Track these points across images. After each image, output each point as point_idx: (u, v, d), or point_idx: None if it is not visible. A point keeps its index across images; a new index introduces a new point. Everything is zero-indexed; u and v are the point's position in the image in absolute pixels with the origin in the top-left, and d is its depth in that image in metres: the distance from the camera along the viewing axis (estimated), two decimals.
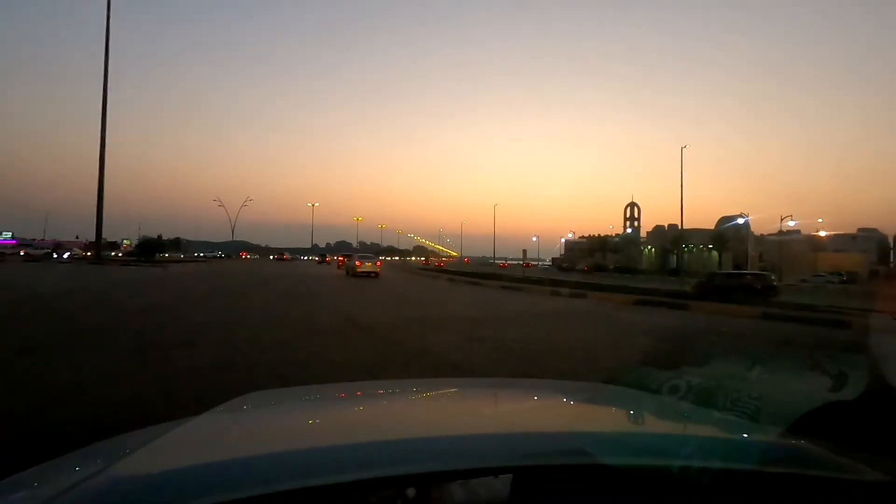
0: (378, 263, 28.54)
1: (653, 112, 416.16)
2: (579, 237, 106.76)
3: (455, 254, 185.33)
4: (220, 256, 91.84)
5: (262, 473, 0.79)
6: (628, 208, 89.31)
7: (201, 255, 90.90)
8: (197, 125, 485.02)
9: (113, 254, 54.62)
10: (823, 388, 1.59)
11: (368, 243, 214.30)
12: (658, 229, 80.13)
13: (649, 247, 79.75)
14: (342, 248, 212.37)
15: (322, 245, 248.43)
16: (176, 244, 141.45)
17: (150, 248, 39.55)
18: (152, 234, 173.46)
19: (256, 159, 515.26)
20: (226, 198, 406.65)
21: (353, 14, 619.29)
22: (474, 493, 0.83)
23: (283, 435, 1.16)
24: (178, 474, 0.83)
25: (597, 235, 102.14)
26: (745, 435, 1.16)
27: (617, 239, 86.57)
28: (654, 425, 1.31)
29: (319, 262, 55.79)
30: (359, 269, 26.84)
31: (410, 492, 0.78)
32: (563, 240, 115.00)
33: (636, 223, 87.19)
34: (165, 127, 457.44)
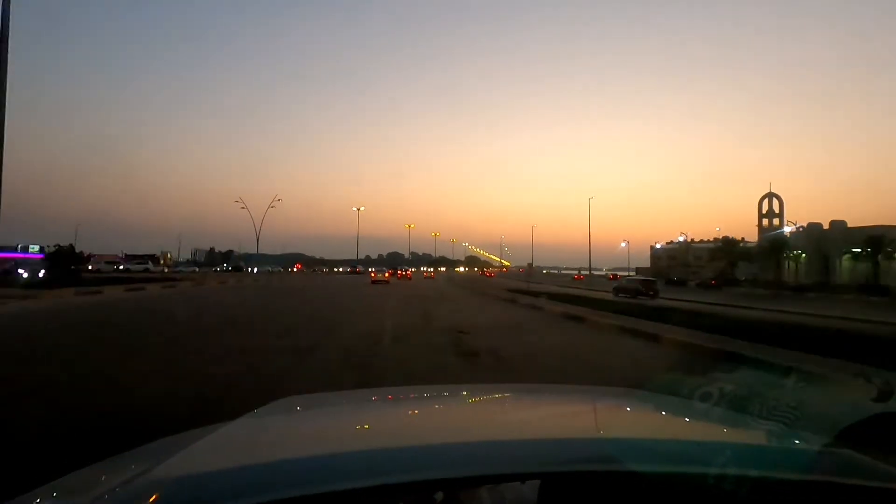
0: (387, 275, 44.62)
1: (775, 96, 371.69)
2: (692, 241, 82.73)
3: (507, 263, 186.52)
4: (194, 271, 67.67)
5: (295, 476, 0.81)
6: (765, 201, 66.56)
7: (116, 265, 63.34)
8: (249, 138, 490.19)
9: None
10: (867, 398, 1.53)
11: (420, 254, 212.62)
12: (812, 228, 55.65)
13: (796, 251, 55.22)
14: (394, 259, 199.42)
15: (374, 256, 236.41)
16: (227, 257, 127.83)
17: (63, 260, 20.28)
18: (205, 246, 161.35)
19: (309, 172, 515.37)
20: (278, 211, 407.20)
21: (411, 20, 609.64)
22: (502, 499, 0.84)
23: (316, 439, 1.21)
24: (214, 477, 0.86)
25: (684, 240, 78.07)
26: (785, 442, 1.12)
27: (742, 243, 62.34)
28: (687, 431, 1.27)
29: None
30: (374, 279, 39.84)
31: (439, 496, 0.80)
32: (658, 245, 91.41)
33: (776, 220, 62.55)
34: (221, 143, 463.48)
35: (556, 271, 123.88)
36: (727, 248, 68.04)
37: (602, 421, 1.39)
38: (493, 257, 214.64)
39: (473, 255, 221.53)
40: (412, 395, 1.90)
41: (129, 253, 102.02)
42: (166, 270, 63.68)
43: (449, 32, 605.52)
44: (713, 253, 71.09)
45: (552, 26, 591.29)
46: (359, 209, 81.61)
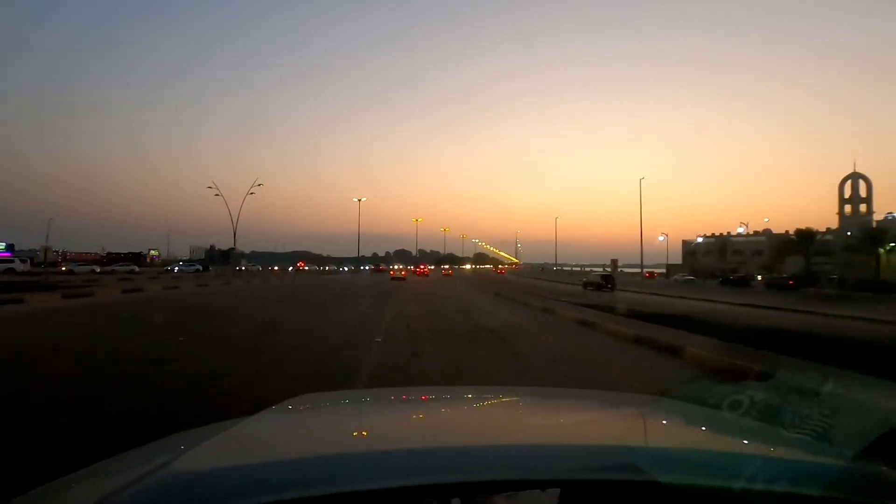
0: (403, 273, 51.44)
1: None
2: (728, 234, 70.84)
3: (517, 260, 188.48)
4: (133, 271, 50.04)
5: (309, 476, 0.82)
6: (848, 184, 53.84)
7: None
8: (256, 137, 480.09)
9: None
10: None
11: (428, 251, 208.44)
12: None
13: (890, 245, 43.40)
14: (402, 256, 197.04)
15: (381, 254, 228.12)
16: (226, 255, 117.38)
17: None
18: (205, 244, 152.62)
19: (315, 171, 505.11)
20: (284, 209, 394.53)
21: (421, 19, 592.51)
22: None
23: (331, 439, 1.23)
24: (227, 474, 0.89)
25: (744, 230, 66.71)
26: (817, 456, 1.09)
27: (824, 235, 50.18)
28: (713, 442, 1.25)
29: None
30: (392, 275, 47.84)
31: (455, 502, 0.79)
32: (700, 239, 79.53)
33: (863, 206, 50.59)
34: (227, 142, 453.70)
35: (577, 268, 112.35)
36: (802, 240, 55.86)
37: (626, 428, 1.38)
38: (503, 254, 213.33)
39: (482, 252, 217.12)
40: (429, 396, 1.92)
41: (111, 251, 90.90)
42: (76, 270, 48.95)
43: (461, 26, 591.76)
44: (785, 246, 59.19)
45: (581, 17, 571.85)
46: (360, 200, 76.50)
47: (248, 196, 49.06)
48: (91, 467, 1.03)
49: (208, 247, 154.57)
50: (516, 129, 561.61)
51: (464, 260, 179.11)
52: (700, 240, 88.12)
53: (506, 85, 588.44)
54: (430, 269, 72.34)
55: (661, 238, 79.15)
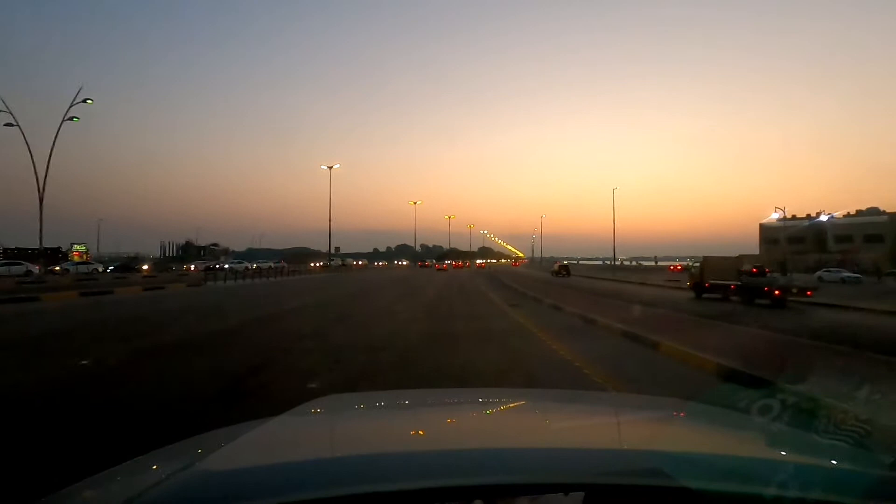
0: (444, 267, 75.43)
1: None
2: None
3: (521, 254, 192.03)
4: None
5: (331, 477, 0.84)
6: None
7: None
8: (256, 136, 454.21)
9: None
10: None
11: (431, 246, 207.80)
12: None
13: None
14: (403, 251, 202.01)
15: (382, 249, 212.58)
16: (199, 251, 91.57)
17: None
18: (180, 239, 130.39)
19: (315, 168, 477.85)
20: (285, 207, 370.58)
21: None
22: None
23: (354, 440, 1.27)
24: (251, 474, 0.90)
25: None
26: (852, 463, 1.05)
27: None
28: (743, 447, 1.22)
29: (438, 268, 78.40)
30: (437, 268, 72.05)
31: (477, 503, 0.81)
32: (827, 217, 56.03)
33: None
34: (227, 141, 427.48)
35: (628, 263, 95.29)
36: None
37: (652, 432, 1.37)
38: (511, 248, 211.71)
39: (487, 246, 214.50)
40: (452, 398, 1.95)
41: (11, 247, 63.84)
42: None
43: (466, 13, 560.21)
44: None
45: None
46: (330, 167, 63.28)
47: (70, 122, 27.13)
48: (118, 467, 1.05)
49: (184, 242, 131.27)
50: (531, 121, 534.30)
51: (467, 255, 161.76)
52: (827, 218, 62.01)
53: (510, 76, 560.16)
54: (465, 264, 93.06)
55: (774, 216, 54.57)
